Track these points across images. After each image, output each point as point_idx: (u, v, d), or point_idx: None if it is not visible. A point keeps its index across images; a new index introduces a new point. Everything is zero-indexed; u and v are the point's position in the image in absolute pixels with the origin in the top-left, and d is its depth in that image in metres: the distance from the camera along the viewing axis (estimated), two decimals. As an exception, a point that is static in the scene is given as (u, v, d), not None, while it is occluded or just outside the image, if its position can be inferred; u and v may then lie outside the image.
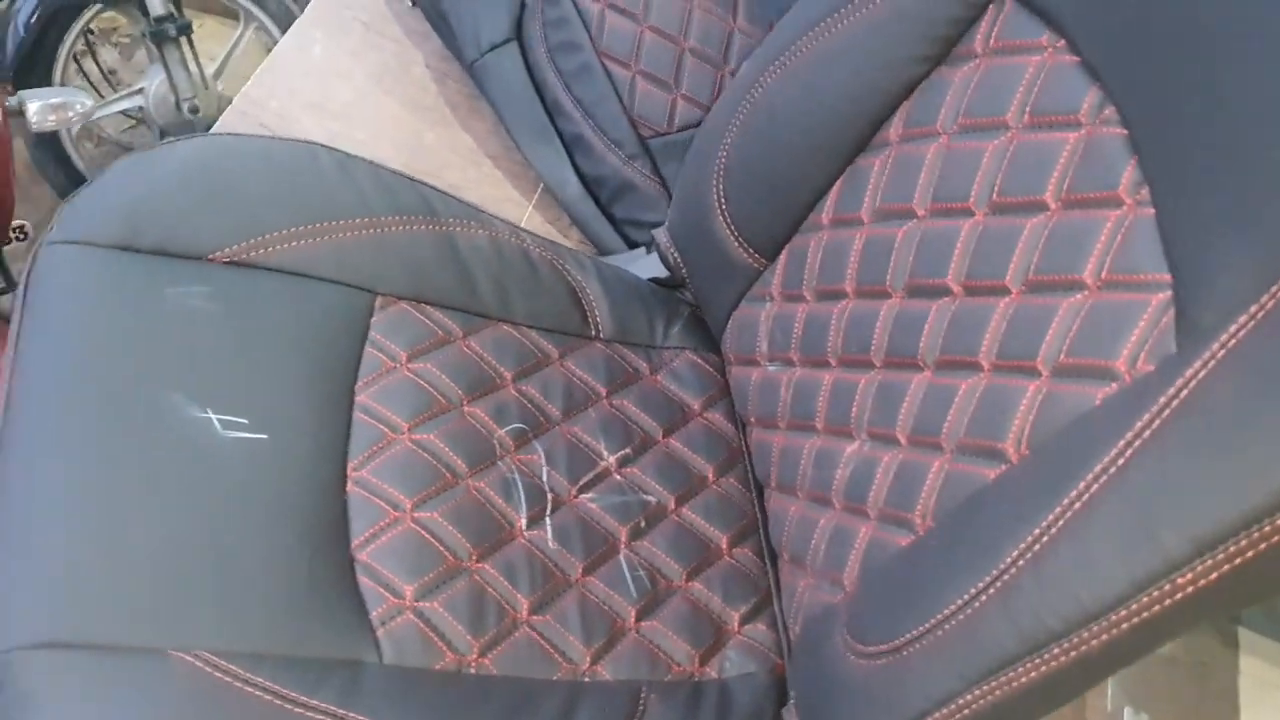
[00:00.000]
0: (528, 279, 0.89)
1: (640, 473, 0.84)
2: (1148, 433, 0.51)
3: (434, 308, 0.84)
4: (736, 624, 0.80)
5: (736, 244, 0.86)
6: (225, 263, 0.78)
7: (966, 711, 0.57)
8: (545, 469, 0.81)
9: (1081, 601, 0.52)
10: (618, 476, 0.83)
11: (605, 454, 0.84)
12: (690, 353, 0.94)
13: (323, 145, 0.85)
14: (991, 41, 0.69)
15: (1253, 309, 0.48)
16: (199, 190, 0.79)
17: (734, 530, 0.84)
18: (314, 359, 0.78)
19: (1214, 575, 0.48)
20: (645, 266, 0.97)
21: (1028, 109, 0.66)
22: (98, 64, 1.96)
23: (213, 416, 0.71)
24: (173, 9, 1.69)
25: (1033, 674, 0.54)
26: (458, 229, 0.86)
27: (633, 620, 0.77)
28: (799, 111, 0.79)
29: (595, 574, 0.78)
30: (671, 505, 0.84)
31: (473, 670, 0.70)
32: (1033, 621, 0.54)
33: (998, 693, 0.56)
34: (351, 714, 0.63)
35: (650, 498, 0.83)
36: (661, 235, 0.93)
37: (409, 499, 0.75)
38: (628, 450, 0.85)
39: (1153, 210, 0.57)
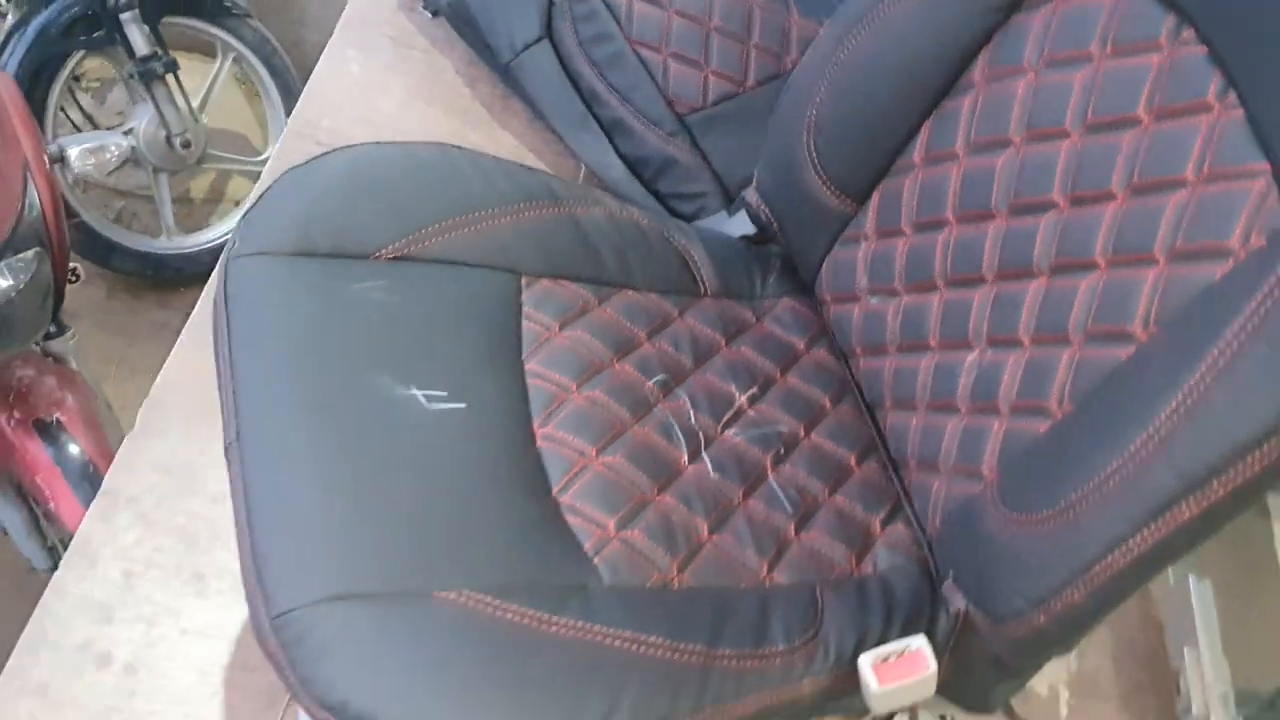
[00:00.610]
0: (641, 247, 0.98)
1: (769, 408, 0.94)
2: (1274, 290, 0.62)
3: (570, 281, 0.93)
4: (879, 527, 0.89)
5: (829, 192, 0.96)
6: (389, 259, 0.86)
7: (1136, 552, 0.67)
8: (691, 412, 0.90)
9: (1237, 438, 0.62)
10: (751, 413, 0.93)
11: (737, 395, 0.93)
12: (788, 299, 1.03)
13: (453, 145, 0.93)
14: (1064, -17, 0.80)
15: None
16: (358, 195, 0.87)
17: (859, 449, 0.94)
18: (484, 335, 0.86)
19: (1351, 397, 0.59)
20: (735, 226, 1.07)
21: (1109, 40, 0.76)
22: (81, 109, 2.00)
23: (417, 392, 0.79)
24: (157, 48, 1.75)
25: (1194, 509, 0.64)
26: (579, 209, 0.95)
27: (793, 532, 0.86)
28: (886, 64, 0.89)
29: (753, 497, 0.87)
30: (801, 433, 0.93)
31: (675, 586, 0.79)
32: (1194, 463, 0.64)
33: (1162, 531, 0.66)
34: (595, 625, 0.72)
35: (783, 428, 0.93)
36: (751, 195, 1.03)
37: (592, 447, 0.83)
38: (754, 390, 0.95)
39: (1241, 111, 0.68)
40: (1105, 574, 0.69)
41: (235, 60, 1.96)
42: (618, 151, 1.33)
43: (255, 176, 2.06)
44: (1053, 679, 1.25)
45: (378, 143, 0.91)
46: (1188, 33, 0.72)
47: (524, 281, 0.91)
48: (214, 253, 1.99)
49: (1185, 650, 1.24)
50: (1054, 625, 0.73)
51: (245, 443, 0.75)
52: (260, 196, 0.86)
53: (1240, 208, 0.67)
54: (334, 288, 0.83)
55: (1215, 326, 0.64)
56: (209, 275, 1.97)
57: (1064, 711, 1.23)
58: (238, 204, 2.15)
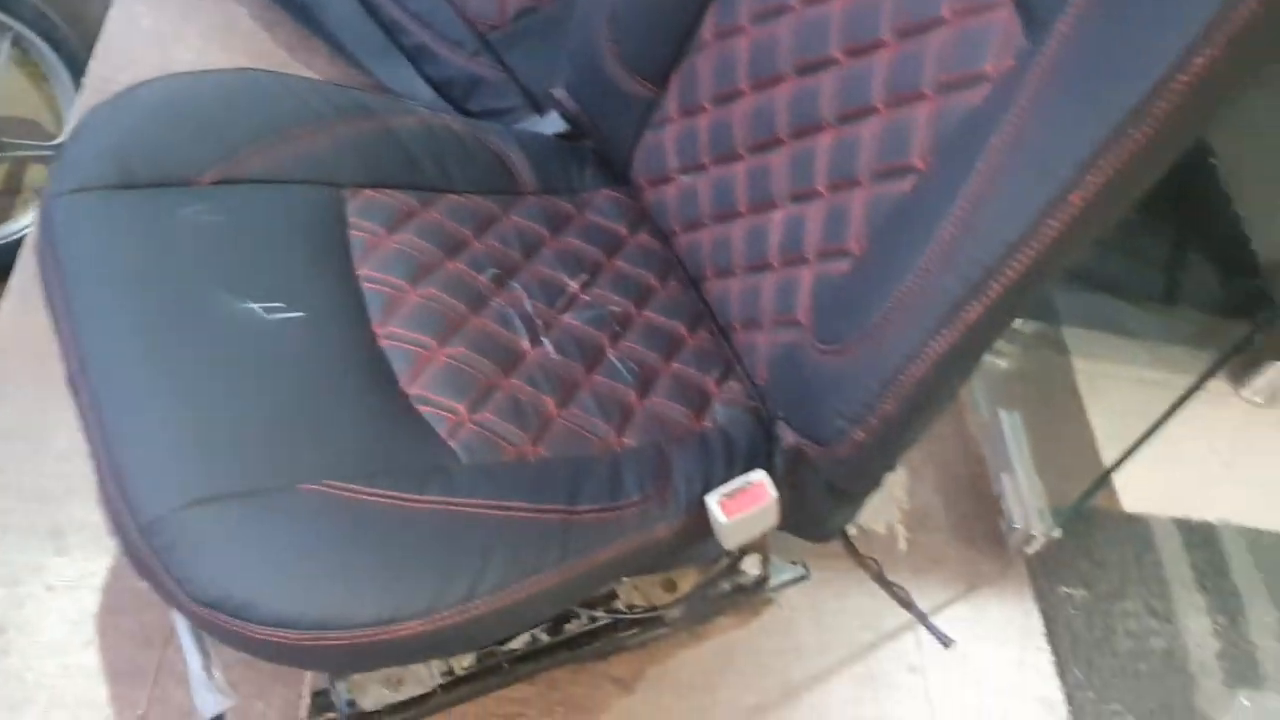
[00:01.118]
0: (458, 151, 1.00)
1: (601, 291, 0.99)
2: (1026, 101, 0.69)
3: (392, 189, 0.95)
4: (714, 386, 0.96)
5: (632, 79, 1.00)
6: (211, 182, 0.87)
7: (933, 357, 0.74)
8: (527, 301, 0.94)
9: (1006, 238, 0.69)
10: (585, 297, 0.97)
11: (569, 282, 0.98)
12: (606, 189, 1.08)
13: (255, 68, 0.94)
14: None
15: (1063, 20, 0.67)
16: (172, 123, 0.87)
17: (689, 320, 1.00)
18: (312, 247, 0.88)
19: (1093, 189, 0.67)
20: (547, 125, 1.10)
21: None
22: None
23: (254, 306, 0.81)
24: None
25: (978, 309, 0.72)
26: (393, 119, 0.97)
27: (636, 400, 0.92)
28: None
29: (596, 372, 0.92)
30: (634, 311, 0.99)
31: (531, 458, 0.83)
32: (973, 266, 0.71)
33: (953, 335, 0.73)
34: (458, 498, 0.76)
35: (616, 308, 0.98)
36: (560, 93, 1.07)
37: (433, 340, 0.87)
38: (585, 276, 0.99)
39: (985, -49, 0.75)
40: (910, 381, 0.76)
41: (14, 42, 1.87)
42: (424, 76, 1.35)
43: (53, 160, 1.98)
44: (889, 518, 1.36)
45: (180, 73, 0.91)
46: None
47: (346, 193, 0.93)
48: (21, 243, 1.91)
49: (1004, 477, 1.36)
50: (872, 440, 0.80)
51: (89, 369, 0.76)
52: (72, 134, 0.86)
53: (991, 36, 0.74)
54: (159, 215, 0.83)
55: (980, 143, 0.71)
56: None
57: (902, 546, 1.34)
58: (39, 191, 2.06)
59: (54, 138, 2.02)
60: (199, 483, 0.72)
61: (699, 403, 0.94)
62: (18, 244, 1.89)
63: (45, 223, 0.82)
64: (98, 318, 0.78)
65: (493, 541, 0.75)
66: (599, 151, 1.10)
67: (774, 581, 1.11)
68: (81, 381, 0.76)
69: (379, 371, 0.84)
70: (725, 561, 0.97)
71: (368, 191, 0.94)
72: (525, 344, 0.91)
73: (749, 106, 0.93)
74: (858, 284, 0.82)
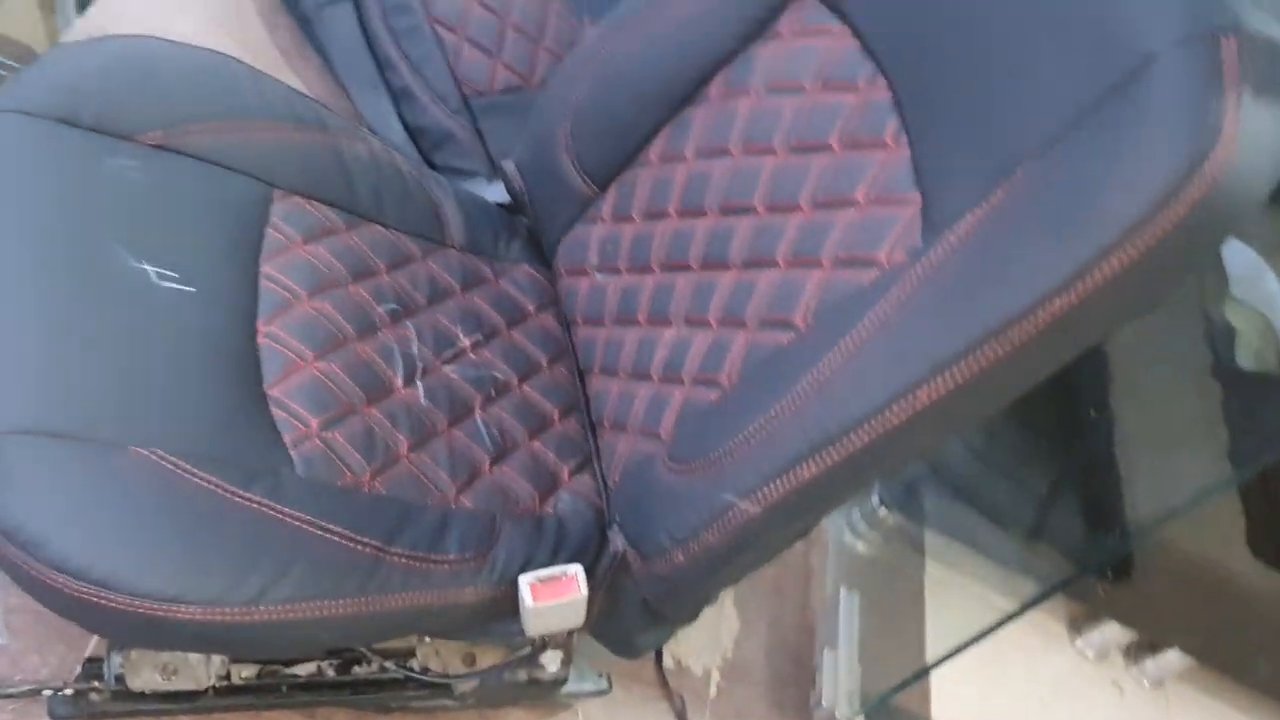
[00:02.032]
0: (397, 189, 1.04)
1: (490, 355, 1.02)
2: (901, 296, 0.74)
3: (322, 204, 0.98)
4: (567, 475, 0.98)
5: (577, 175, 1.05)
6: (152, 145, 0.89)
7: (763, 501, 0.78)
8: (415, 343, 0.97)
9: (852, 411, 0.74)
10: (473, 356, 1.01)
11: (463, 338, 1.01)
12: (527, 266, 1.12)
13: (235, 59, 0.97)
14: (795, 26, 0.92)
15: (975, 211, 0.72)
16: (132, 77, 0.90)
17: (563, 405, 1.03)
18: (226, 233, 0.90)
19: (942, 390, 0.72)
20: (492, 192, 1.15)
21: (820, 78, 0.89)
22: None
23: (149, 268, 0.83)
24: None
25: (814, 469, 0.76)
26: (344, 141, 1.01)
27: (488, 466, 0.94)
28: (641, 68, 0.99)
29: (458, 427, 0.95)
30: (515, 382, 1.02)
31: (366, 490, 0.85)
32: (817, 429, 0.76)
33: (784, 487, 0.77)
34: (279, 505, 0.78)
35: (499, 375, 1.01)
36: (509, 166, 1.11)
37: (311, 352, 0.89)
38: (479, 336, 1.02)
39: (908, 152, 0.81)
40: (737, 519, 0.80)
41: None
42: (401, 118, 1.40)
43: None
44: (709, 662, 1.37)
45: (159, 38, 0.94)
46: (880, 81, 0.85)
47: (276, 195, 0.96)
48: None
49: (827, 651, 1.40)
50: (690, 565, 0.83)
51: None
52: (36, 60, 0.88)
53: (892, 229, 0.80)
54: (88, 158, 0.85)
55: (852, 320, 0.77)
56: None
57: (713, 692, 1.36)
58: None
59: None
60: (32, 413, 0.73)
61: (547, 486, 0.96)
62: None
63: None
64: None
65: (298, 555, 0.76)
66: (531, 229, 1.15)
67: (573, 686, 1.12)
68: None
69: (247, 366, 0.86)
70: (527, 649, 0.98)
71: (298, 199, 0.97)
72: (399, 381, 0.93)
73: (671, 229, 0.98)
74: (717, 415, 0.86)
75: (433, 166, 1.39)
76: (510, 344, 1.04)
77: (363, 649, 0.99)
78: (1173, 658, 1.56)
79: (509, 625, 0.89)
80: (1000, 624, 1.23)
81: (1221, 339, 1.32)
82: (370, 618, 0.80)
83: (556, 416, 1.02)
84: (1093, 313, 0.67)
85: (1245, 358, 1.32)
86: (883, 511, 1.56)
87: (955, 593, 1.53)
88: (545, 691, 1.09)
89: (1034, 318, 0.68)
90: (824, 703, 1.36)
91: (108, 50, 0.91)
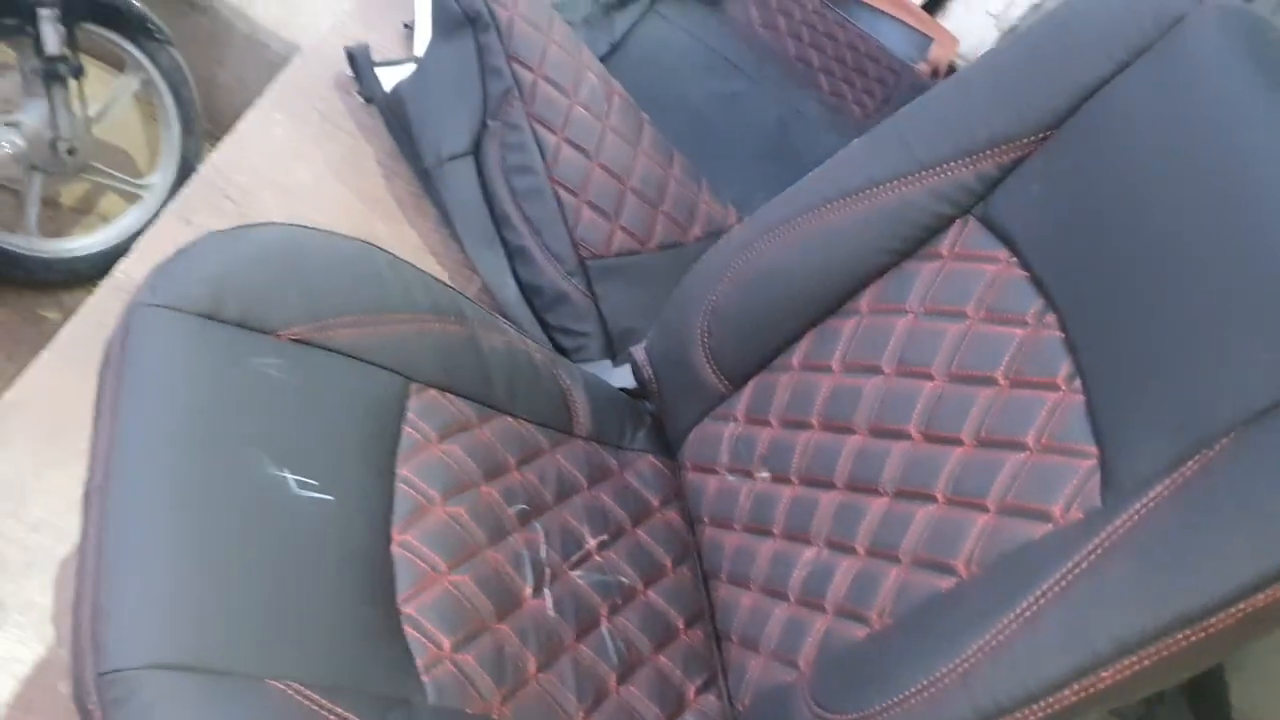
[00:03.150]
0: (531, 380, 1.02)
1: (615, 557, 0.99)
2: (1085, 564, 0.70)
3: (457, 397, 0.97)
4: (693, 693, 0.94)
5: (711, 371, 1.03)
6: (292, 340, 0.88)
7: (924, 768, 0.74)
8: (544, 547, 0.94)
9: (1028, 687, 0.70)
10: (598, 558, 0.97)
11: (589, 538, 0.98)
12: (652, 457, 1.09)
13: (376, 246, 0.97)
14: (957, 249, 0.90)
15: (1166, 482, 0.69)
16: (276, 272, 0.89)
17: (689, 614, 1.00)
18: (364, 433, 0.88)
19: (1127, 673, 0.67)
20: (618, 377, 1.13)
21: (985, 305, 0.86)
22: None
23: (289, 476, 0.81)
24: (68, 51, 1.73)
25: (982, 740, 0.72)
26: (481, 332, 0.99)
27: (614, 684, 0.90)
28: (787, 273, 0.97)
29: (584, 641, 0.91)
30: (640, 587, 0.98)
31: (495, 717, 0.82)
32: (987, 699, 0.71)
33: None
34: (414, 745, 0.74)
35: (624, 579, 0.97)
36: (639, 353, 1.09)
37: (445, 563, 0.86)
38: (605, 536, 0.99)
39: (1083, 397, 0.78)
40: None
41: (143, 83, 1.95)
42: (515, 275, 1.39)
43: (132, 198, 2.03)
44: None
45: (304, 226, 0.93)
46: (1050, 317, 0.82)
47: (413, 389, 0.94)
48: (69, 263, 1.95)
49: None
50: None
51: (110, 490, 0.75)
52: (180, 251, 0.88)
53: (1068, 481, 0.76)
54: (233, 357, 0.84)
55: (1027, 582, 0.72)
56: (60, 283, 1.93)
57: None
58: (105, 220, 2.10)
59: (142, 176, 2.07)
60: (174, 647, 0.70)
61: (673, 707, 0.92)
62: (70, 261, 1.93)
63: (125, 326, 0.83)
64: (135, 441, 0.78)
65: None
66: (656, 418, 1.12)
67: None
68: (95, 500, 0.75)
69: (382, 579, 0.83)
70: None
71: (433, 392, 0.95)
72: (528, 591, 0.90)
73: (813, 440, 0.94)
74: (869, 660, 0.82)
75: (545, 326, 1.38)
76: (635, 543, 1.01)
77: None
78: None
79: None
80: None
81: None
82: None
83: (681, 626, 0.98)
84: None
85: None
86: None
87: None
88: None
89: (1234, 609, 0.63)
90: None
91: (255, 242, 0.90)
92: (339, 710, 0.73)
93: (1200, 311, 0.72)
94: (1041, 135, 0.86)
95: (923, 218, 0.91)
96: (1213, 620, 0.64)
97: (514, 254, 1.38)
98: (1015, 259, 0.86)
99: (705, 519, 1.04)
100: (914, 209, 0.91)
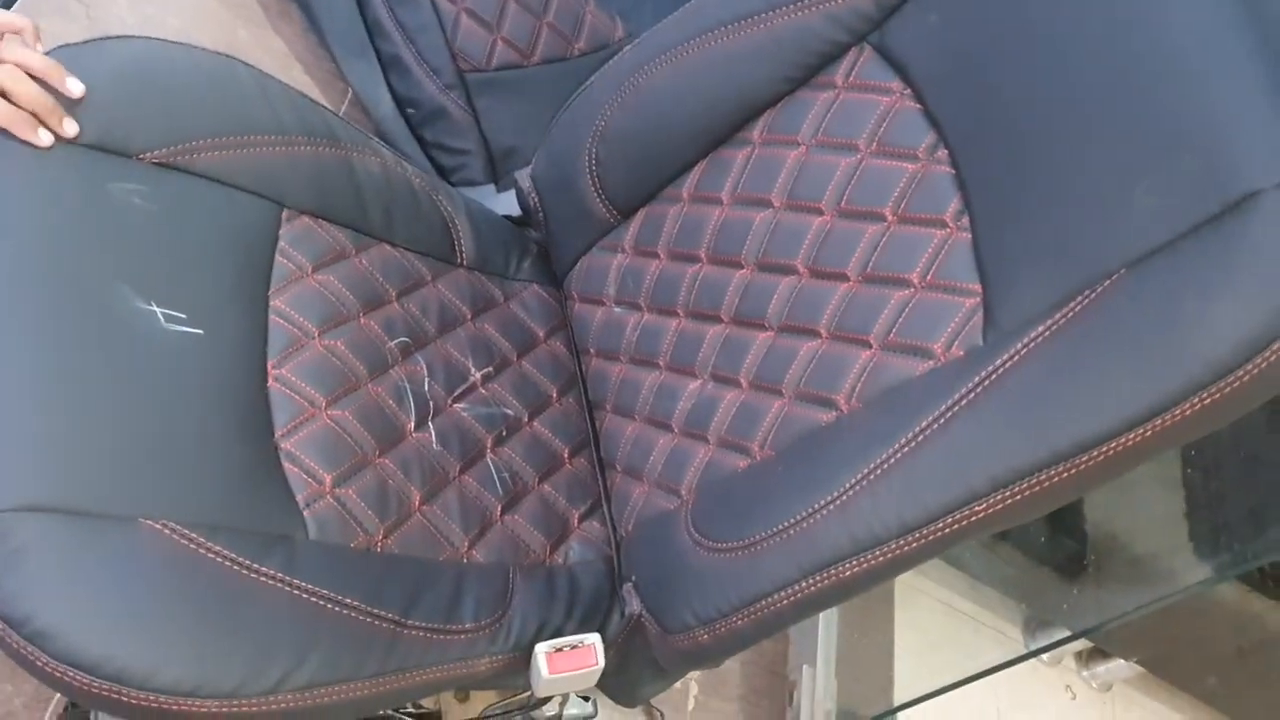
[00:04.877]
0: (410, 206, 0.98)
1: (500, 388, 0.98)
2: (964, 401, 0.72)
3: (331, 224, 0.92)
4: (577, 520, 0.95)
5: (598, 199, 1.00)
6: (153, 163, 0.82)
7: (798, 595, 0.76)
8: (426, 379, 0.92)
9: (904, 519, 0.72)
10: (483, 391, 0.96)
11: (473, 370, 0.96)
12: (538, 287, 1.07)
13: (241, 61, 0.90)
14: (851, 78, 0.88)
15: (1048, 322, 0.70)
16: (133, 90, 0.82)
17: (573, 443, 1.00)
18: (235, 263, 0.84)
19: (1000, 506, 0.70)
20: (501, 204, 1.09)
21: (876, 139, 0.85)
22: None
23: (157, 310, 0.77)
24: None
25: (857, 569, 0.74)
26: (355, 155, 0.94)
27: (499, 514, 0.91)
28: (678, 100, 0.94)
29: (469, 473, 0.91)
30: (525, 419, 0.98)
31: (379, 550, 0.81)
32: (864, 530, 0.73)
33: (825, 583, 0.75)
34: (295, 579, 0.74)
35: (509, 411, 0.97)
36: (524, 179, 1.05)
37: (324, 397, 0.84)
38: (489, 368, 0.98)
39: (970, 235, 0.78)
40: (769, 609, 0.77)
41: None
42: (390, 88, 1.32)
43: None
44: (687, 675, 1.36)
45: (162, 40, 0.86)
46: (942, 153, 0.81)
47: (285, 215, 0.89)
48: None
49: (804, 667, 1.40)
50: (714, 644, 0.81)
51: None
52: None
53: (950, 319, 0.77)
54: (90, 182, 0.78)
55: (907, 418, 0.74)
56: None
57: (691, 705, 1.36)
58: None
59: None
60: (40, 488, 0.67)
61: (558, 533, 0.93)
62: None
63: None
64: None
65: (318, 637, 0.73)
66: (542, 246, 1.09)
67: (564, 714, 1.11)
68: None
69: (258, 414, 0.81)
70: (529, 698, 0.96)
71: (307, 219, 0.91)
72: (410, 425, 0.89)
73: (701, 273, 0.93)
74: (749, 490, 0.83)
75: (422, 142, 1.32)
76: (520, 375, 1.00)
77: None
78: (1121, 664, 1.62)
79: (517, 679, 0.87)
80: (987, 673, 1.24)
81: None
82: (386, 695, 0.76)
83: (566, 456, 0.99)
84: (1169, 440, 0.66)
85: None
86: None
87: (924, 599, 1.56)
88: (536, 723, 1.08)
89: (1107, 447, 0.66)
90: (800, 718, 1.36)
91: (108, 58, 0.82)
92: (217, 548, 0.71)
93: (1092, 153, 0.71)
94: (941, -38, 0.83)
95: (819, 44, 0.88)
96: (1086, 456, 0.66)
97: (388, 64, 1.30)
98: (909, 90, 0.84)
99: (591, 350, 1.03)
100: (810, 35, 0.88)
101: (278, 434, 0.81)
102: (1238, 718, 1.57)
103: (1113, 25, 0.72)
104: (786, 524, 0.77)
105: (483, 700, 1.00)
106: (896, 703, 1.36)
